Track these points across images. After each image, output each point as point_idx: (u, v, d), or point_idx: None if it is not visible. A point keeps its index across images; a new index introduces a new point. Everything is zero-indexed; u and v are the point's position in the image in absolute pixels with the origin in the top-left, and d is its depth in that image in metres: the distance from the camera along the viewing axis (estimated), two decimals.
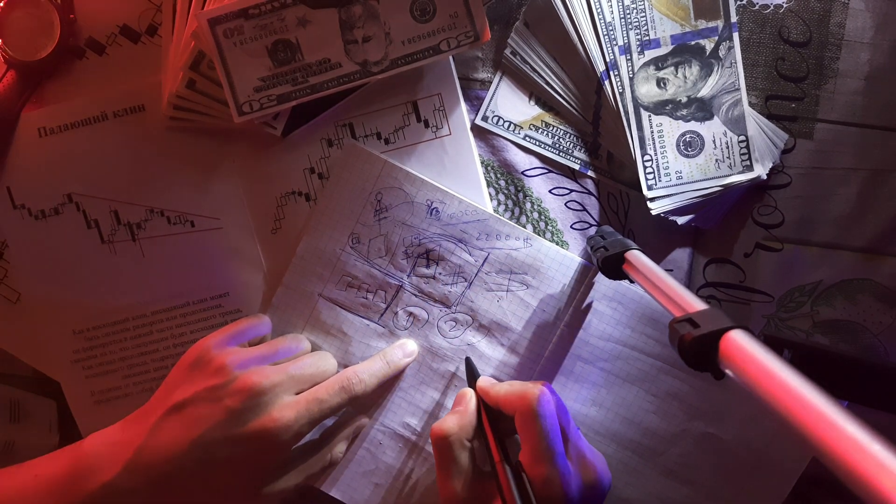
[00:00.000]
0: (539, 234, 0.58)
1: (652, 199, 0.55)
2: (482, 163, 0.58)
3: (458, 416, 0.50)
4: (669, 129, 0.55)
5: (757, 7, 0.56)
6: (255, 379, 0.49)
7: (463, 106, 0.58)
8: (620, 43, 0.55)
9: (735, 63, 0.55)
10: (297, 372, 0.51)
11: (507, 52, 0.57)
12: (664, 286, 0.43)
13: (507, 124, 0.58)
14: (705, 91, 0.55)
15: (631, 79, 0.55)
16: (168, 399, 0.50)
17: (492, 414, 0.51)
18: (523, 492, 0.45)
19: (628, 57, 0.55)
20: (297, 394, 0.51)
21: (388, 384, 0.57)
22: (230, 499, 0.50)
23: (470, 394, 0.53)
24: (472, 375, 0.55)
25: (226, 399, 0.48)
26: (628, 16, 0.55)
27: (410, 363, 0.57)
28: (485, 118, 0.58)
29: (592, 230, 0.58)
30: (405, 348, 0.57)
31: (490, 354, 0.57)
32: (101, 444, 0.49)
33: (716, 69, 0.55)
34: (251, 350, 0.52)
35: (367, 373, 0.54)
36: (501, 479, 0.46)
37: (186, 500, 0.49)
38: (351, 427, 0.56)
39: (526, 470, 0.47)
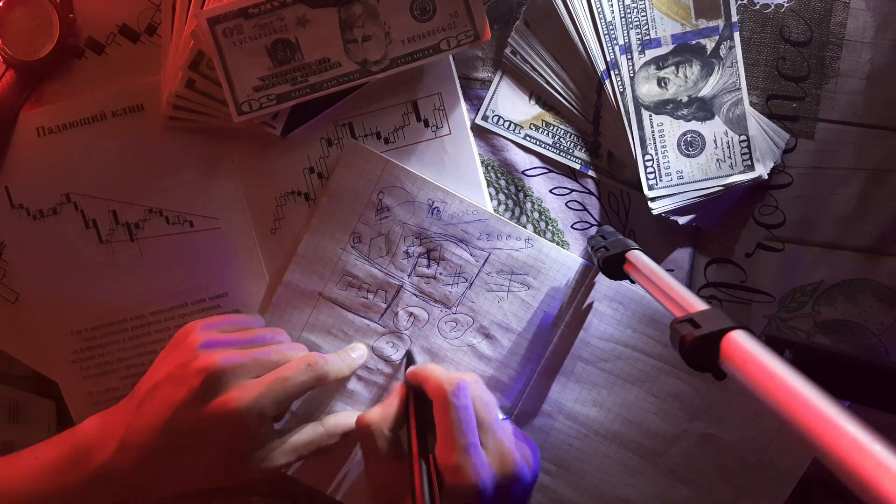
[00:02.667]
0: (539, 234, 0.58)
1: (653, 199, 0.55)
2: (482, 162, 0.58)
3: (383, 406, 0.52)
4: (670, 128, 0.55)
5: (758, 6, 0.56)
6: (215, 358, 0.48)
7: (463, 105, 0.58)
8: (621, 42, 0.55)
9: (736, 62, 0.55)
10: (262, 357, 0.51)
11: (508, 51, 0.57)
12: (665, 286, 0.42)
13: (507, 124, 0.58)
14: (706, 90, 0.55)
15: (632, 78, 0.55)
16: (150, 378, 0.50)
17: (421, 405, 0.52)
18: (431, 482, 0.46)
19: (629, 56, 0.55)
20: None
21: (387, 385, 0.57)
22: (215, 478, 0.50)
23: (399, 386, 0.54)
24: (411, 364, 0.56)
25: (189, 378, 0.48)
26: (629, 15, 0.55)
27: (361, 364, 0.57)
28: (485, 118, 0.58)
29: (593, 230, 0.58)
30: (354, 350, 0.57)
31: (490, 355, 0.57)
32: (98, 425, 0.50)
33: (717, 69, 0.55)
34: (224, 334, 0.52)
35: (334, 357, 0.54)
36: (414, 469, 0.47)
37: (171, 478, 0.49)
38: (352, 421, 0.55)
39: (438, 459, 0.47)
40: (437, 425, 0.49)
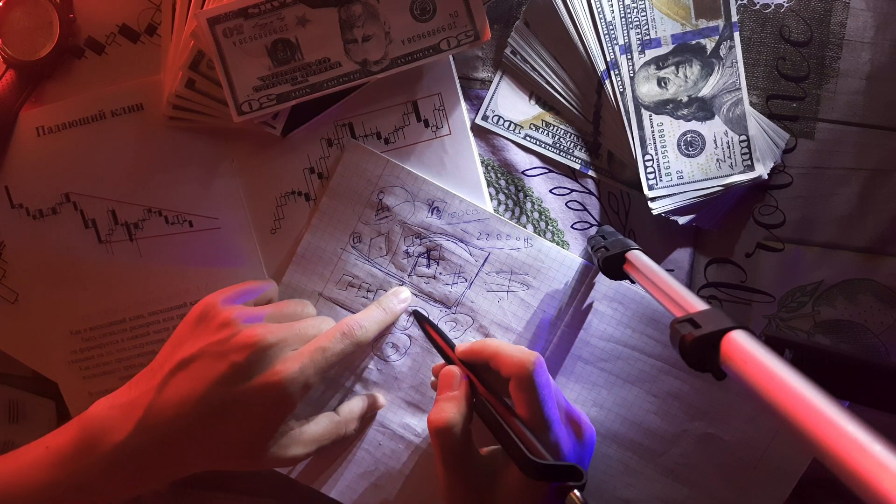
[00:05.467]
0: (539, 234, 0.58)
1: (653, 199, 0.55)
2: (482, 162, 0.58)
3: (455, 402, 0.48)
4: (670, 128, 0.55)
5: (758, 6, 0.56)
6: (259, 332, 0.48)
7: (463, 105, 0.58)
8: (621, 42, 0.55)
9: (736, 62, 0.55)
10: (302, 330, 0.51)
11: (508, 51, 0.57)
12: (665, 286, 0.42)
13: (507, 124, 0.58)
14: (706, 90, 0.55)
15: (632, 78, 0.55)
16: (174, 355, 0.49)
17: (489, 386, 0.50)
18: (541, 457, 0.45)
19: (629, 56, 0.55)
20: None
21: (389, 385, 0.57)
22: (238, 457, 0.49)
23: (457, 373, 0.51)
24: (436, 334, 0.54)
25: (231, 354, 0.47)
26: (629, 15, 0.55)
27: (406, 308, 0.57)
28: (485, 118, 0.58)
29: (593, 230, 0.58)
30: (399, 295, 0.56)
31: None
32: (109, 408, 0.49)
33: (717, 69, 0.55)
34: (257, 308, 0.52)
35: (366, 320, 0.53)
36: (532, 448, 0.45)
37: (195, 457, 0.49)
38: (366, 404, 0.56)
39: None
40: (519, 403, 0.47)
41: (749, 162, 0.55)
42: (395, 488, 0.57)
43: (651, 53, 0.55)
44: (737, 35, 0.55)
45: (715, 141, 0.55)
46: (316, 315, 0.56)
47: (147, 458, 0.47)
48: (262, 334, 0.48)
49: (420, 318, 0.57)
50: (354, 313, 0.57)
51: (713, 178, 0.55)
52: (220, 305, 0.51)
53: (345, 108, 0.57)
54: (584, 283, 0.56)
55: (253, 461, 0.49)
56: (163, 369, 0.49)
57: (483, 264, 0.57)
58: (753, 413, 0.55)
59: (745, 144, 0.55)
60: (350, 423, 0.54)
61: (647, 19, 0.55)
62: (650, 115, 0.55)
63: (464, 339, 0.57)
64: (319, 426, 0.52)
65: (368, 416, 0.57)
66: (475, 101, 0.58)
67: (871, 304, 0.58)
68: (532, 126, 0.58)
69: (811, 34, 0.56)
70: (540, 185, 0.58)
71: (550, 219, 0.58)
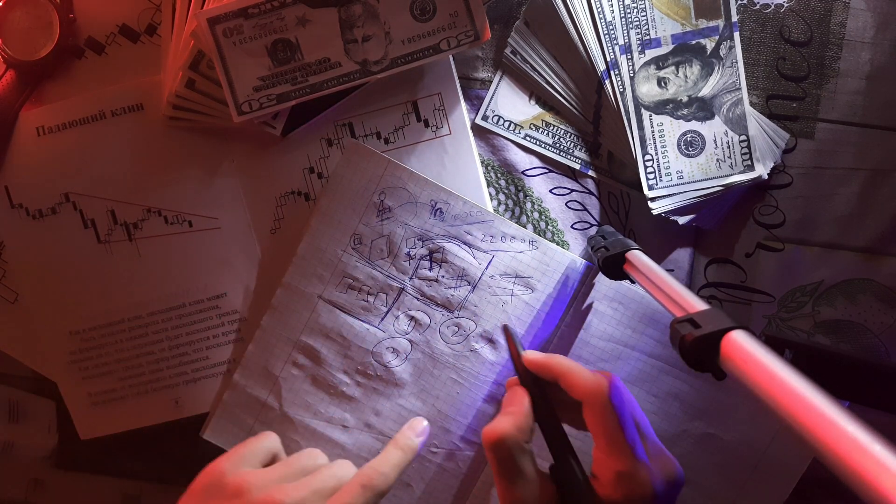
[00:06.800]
0: (539, 234, 0.58)
1: (653, 199, 0.55)
2: (482, 162, 0.58)
3: (513, 416, 0.45)
4: (670, 128, 0.55)
5: (758, 6, 0.56)
6: (277, 497, 0.45)
7: (463, 105, 0.58)
8: (621, 42, 0.55)
9: (736, 62, 0.55)
10: (320, 485, 0.48)
11: (508, 51, 0.57)
12: (665, 286, 0.42)
13: (507, 124, 0.58)
14: (706, 90, 0.55)
15: (631, 78, 0.55)
16: None
17: (546, 402, 0.47)
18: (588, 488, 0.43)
19: (629, 56, 0.55)
20: None
21: (389, 392, 0.57)
22: None
23: (522, 392, 0.48)
24: (515, 348, 0.51)
25: None
26: (629, 15, 0.55)
27: (424, 441, 0.54)
28: (485, 118, 0.58)
29: (593, 230, 0.58)
30: (416, 429, 0.54)
31: (494, 360, 0.57)
32: None
33: (717, 69, 0.55)
34: (268, 470, 0.49)
35: (385, 465, 0.50)
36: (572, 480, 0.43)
37: None
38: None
39: (601, 468, 0.43)
40: (595, 427, 0.44)
41: (749, 162, 0.55)
42: (395, 496, 0.57)
43: (651, 53, 0.55)
44: (737, 35, 0.55)
45: (715, 141, 0.55)
46: (327, 462, 0.52)
47: None
48: (280, 499, 0.45)
49: (506, 331, 0.54)
50: (354, 317, 0.57)
51: (713, 178, 0.55)
52: (227, 473, 0.48)
53: (345, 108, 0.57)
54: (584, 283, 0.56)
55: None
56: None
57: (487, 267, 0.56)
58: (754, 413, 0.55)
59: (745, 144, 0.55)
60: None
61: (647, 19, 0.55)
62: (650, 115, 0.55)
63: (466, 345, 0.56)
64: None
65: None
66: (475, 101, 0.58)
67: (871, 304, 0.58)
68: (532, 126, 0.58)
69: (811, 34, 0.56)
70: (540, 185, 0.58)
71: (550, 219, 0.58)
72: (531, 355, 0.49)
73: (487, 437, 0.44)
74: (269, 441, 0.53)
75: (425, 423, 0.55)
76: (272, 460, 0.52)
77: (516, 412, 0.46)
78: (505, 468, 0.44)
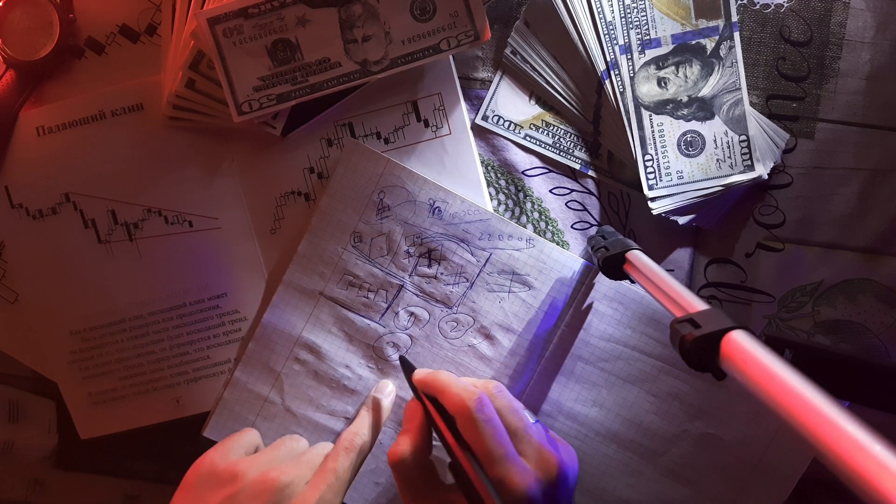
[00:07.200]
0: (539, 234, 0.58)
1: (653, 199, 0.55)
2: (482, 162, 0.58)
3: (409, 434, 0.50)
4: (670, 128, 0.55)
5: (758, 6, 0.56)
6: (272, 475, 0.48)
7: (463, 105, 0.58)
8: (621, 42, 0.55)
9: (736, 62, 0.55)
10: (311, 460, 0.51)
11: (508, 51, 0.57)
12: (665, 286, 0.42)
13: (507, 124, 0.58)
14: (706, 90, 0.55)
15: (631, 78, 0.55)
16: None
17: (448, 419, 0.50)
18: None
19: (629, 56, 0.55)
20: None
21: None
22: None
23: (416, 407, 0.52)
24: (409, 371, 0.54)
25: (248, 501, 0.47)
26: (629, 15, 0.55)
27: (392, 400, 0.57)
28: (485, 118, 0.58)
29: (593, 230, 0.58)
30: (382, 390, 0.57)
31: (491, 356, 0.57)
32: None
33: (717, 69, 0.55)
34: (256, 455, 0.52)
35: (361, 427, 0.54)
36: (479, 487, 0.45)
37: None
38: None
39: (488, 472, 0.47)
40: (469, 441, 0.47)
41: (749, 162, 0.55)
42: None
43: (651, 53, 0.55)
44: (737, 35, 0.55)
45: (715, 141, 0.55)
46: (318, 444, 0.55)
47: None
48: (276, 476, 0.48)
49: (401, 360, 0.57)
50: (355, 313, 0.57)
51: (713, 178, 0.55)
52: (218, 463, 0.50)
53: (345, 108, 0.57)
54: (584, 283, 0.56)
55: None
56: None
57: (484, 264, 0.57)
58: (753, 413, 0.55)
59: (745, 144, 0.55)
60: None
61: (647, 19, 0.55)
62: (650, 115, 0.55)
63: (464, 340, 0.57)
64: None
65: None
66: (475, 101, 0.58)
67: (871, 304, 0.58)
68: (532, 126, 0.58)
69: (811, 34, 0.56)
70: (540, 185, 0.58)
71: (550, 219, 0.58)
72: (418, 374, 0.53)
73: (389, 458, 0.49)
74: (251, 435, 0.55)
75: (391, 384, 0.57)
76: (255, 452, 0.54)
77: (412, 429, 0.50)
78: (404, 485, 0.49)
